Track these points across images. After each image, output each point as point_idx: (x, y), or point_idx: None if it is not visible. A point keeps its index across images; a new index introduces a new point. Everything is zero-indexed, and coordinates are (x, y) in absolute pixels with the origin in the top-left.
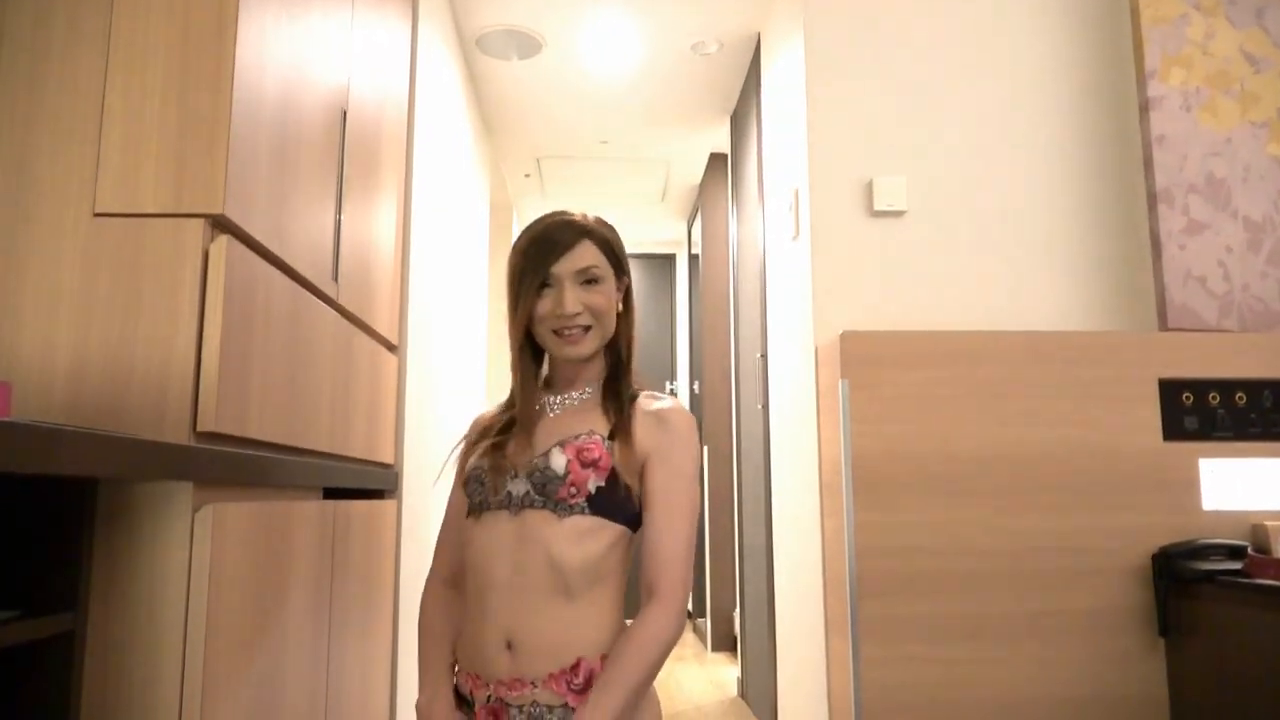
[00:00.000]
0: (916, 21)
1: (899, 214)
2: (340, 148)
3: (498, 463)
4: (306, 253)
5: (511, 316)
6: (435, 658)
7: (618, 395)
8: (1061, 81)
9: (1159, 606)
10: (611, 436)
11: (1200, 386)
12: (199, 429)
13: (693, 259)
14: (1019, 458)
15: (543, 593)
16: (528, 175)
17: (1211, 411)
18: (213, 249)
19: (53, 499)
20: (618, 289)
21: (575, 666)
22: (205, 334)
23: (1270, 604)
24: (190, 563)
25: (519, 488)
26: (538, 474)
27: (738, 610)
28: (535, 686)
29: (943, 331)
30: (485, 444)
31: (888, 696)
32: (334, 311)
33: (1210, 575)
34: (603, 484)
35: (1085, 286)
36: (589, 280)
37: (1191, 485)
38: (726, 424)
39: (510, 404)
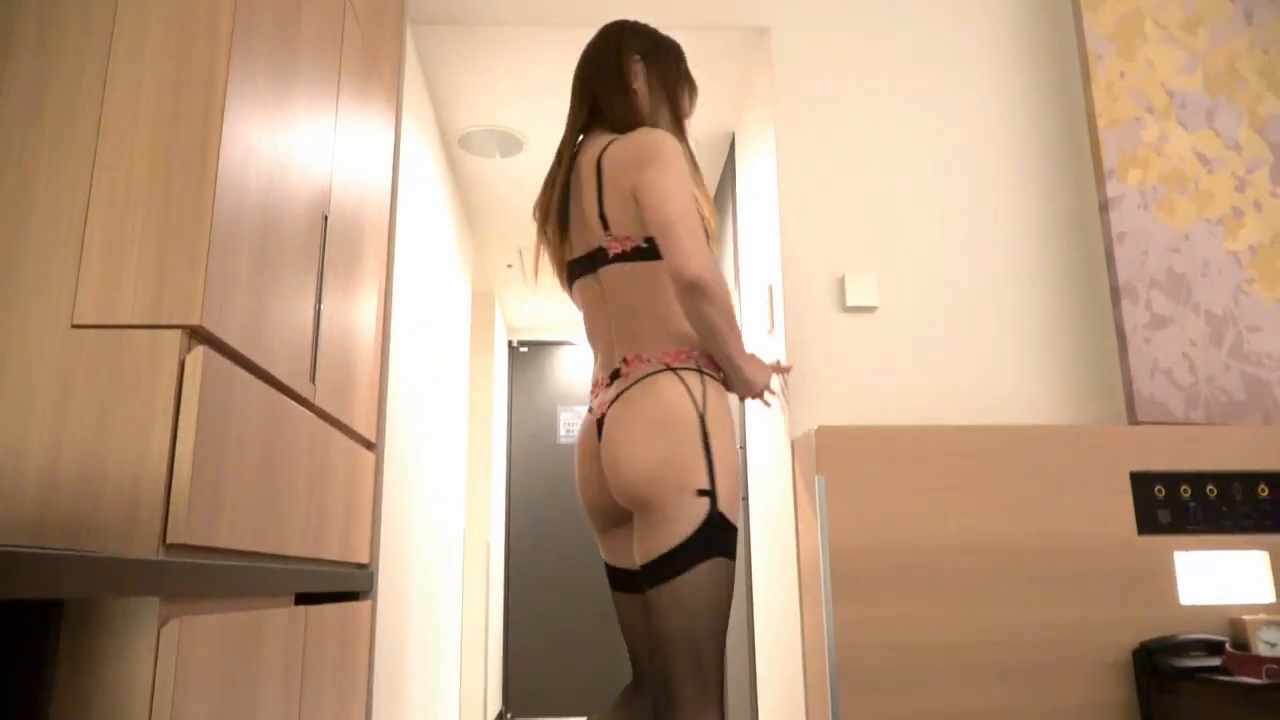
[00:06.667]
0: (885, 122)
1: (871, 309)
2: (321, 248)
3: None
4: (284, 355)
5: (687, 105)
6: None
7: None
8: (1025, 180)
9: (1142, 704)
10: None
11: (1171, 479)
12: (169, 541)
13: None
14: (997, 550)
15: None
16: (510, 265)
17: (1184, 504)
18: (189, 359)
19: (14, 617)
20: None
21: None
22: (179, 444)
23: (1250, 703)
24: (154, 679)
25: None
26: None
27: None
28: None
29: (916, 426)
30: None
31: None
32: (311, 413)
33: (1191, 672)
34: None
35: (1054, 379)
36: None
37: (1168, 578)
38: None
39: None
